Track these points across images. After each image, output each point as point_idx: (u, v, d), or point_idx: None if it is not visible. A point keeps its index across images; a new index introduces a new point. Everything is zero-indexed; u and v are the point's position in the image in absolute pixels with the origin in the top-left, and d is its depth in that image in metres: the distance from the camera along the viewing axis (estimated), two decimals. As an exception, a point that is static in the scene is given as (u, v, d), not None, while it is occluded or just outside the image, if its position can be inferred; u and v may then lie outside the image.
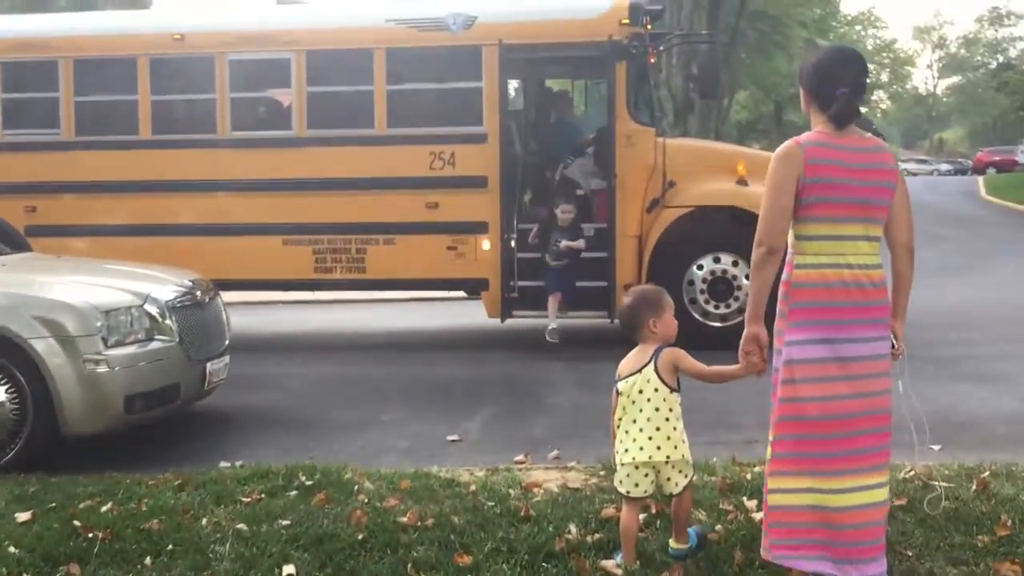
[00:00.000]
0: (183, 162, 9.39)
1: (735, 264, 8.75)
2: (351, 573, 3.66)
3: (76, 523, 4.17)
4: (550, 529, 3.93)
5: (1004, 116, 48.51)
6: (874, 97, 65.13)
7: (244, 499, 4.50)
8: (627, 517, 3.61)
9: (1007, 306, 11.08)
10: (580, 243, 8.76)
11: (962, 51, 77.10)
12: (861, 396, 3.29)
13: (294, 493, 4.58)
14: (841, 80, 3.37)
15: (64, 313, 5.44)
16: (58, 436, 5.43)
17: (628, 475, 3.56)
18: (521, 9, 9.32)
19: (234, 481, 4.81)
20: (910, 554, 3.67)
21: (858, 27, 61.42)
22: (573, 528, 3.94)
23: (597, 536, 3.85)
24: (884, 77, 70.59)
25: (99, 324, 5.45)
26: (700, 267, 8.79)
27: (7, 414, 5.37)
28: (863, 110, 3.51)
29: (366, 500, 4.41)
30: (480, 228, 9.07)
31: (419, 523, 4.06)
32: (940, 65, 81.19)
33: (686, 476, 3.59)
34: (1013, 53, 64.03)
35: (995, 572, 3.50)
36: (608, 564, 3.61)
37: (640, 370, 3.56)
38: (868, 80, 3.65)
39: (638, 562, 3.59)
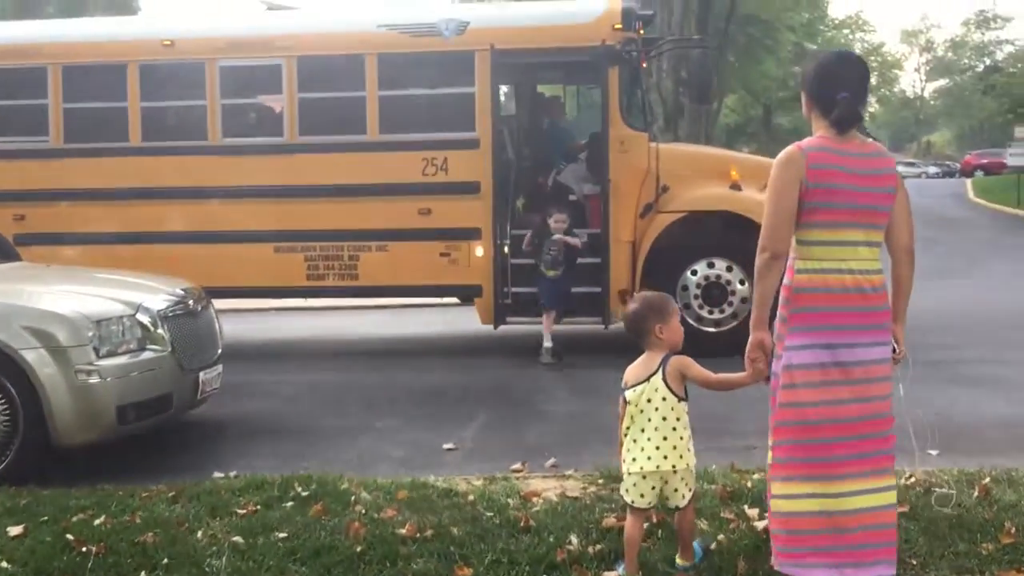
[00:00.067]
0: (173, 169, 9.32)
1: (729, 269, 8.73)
2: (350, 586, 3.62)
3: (69, 537, 4.11)
4: (551, 540, 3.89)
5: (991, 119, 48.68)
6: (862, 100, 65.11)
7: (239, 511, 4.44)
8: (631, 527, 3.57)
9: (998, 309, 11.11)
10: (577, 241, 8.69)
11: (949, 54, 77.37)
12: (862, 401, 3.29)
13: (290, 504, 4.53)
14: (843, 85, 3.37)
15: (55, 323, 5.38)
16: (49, 447, 5.36)
17: (635, 484, 3.52)
18: (513, 14, 9.31)
19: (229, 492, 4.75)
20: (914, 562, 3.64)
21: (846, 31, 61.49)
22: (574, 539, 3.90)
23: (599, 547, 3.81)
24: (872, 80, 70.72)
25: (90, 334, 5.39)
26: (694, 272, 8.77)
27: (-3, 426, 5.29)
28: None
29: (363, 511, 4.36)
30: (473, 234, 9.03)
31: (418, 534, 4.01)
32: (927, 68, 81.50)
33: (690, 489, 3.56)
34: (1000, 56, 64.31)
35: (1000, 581, 3.48)
36: (611, 575, 3.57)
37: (648, 379, 3.53)
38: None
39: (640, 573, 3.56)
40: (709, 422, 5.80)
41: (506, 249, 9.06)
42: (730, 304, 8.70)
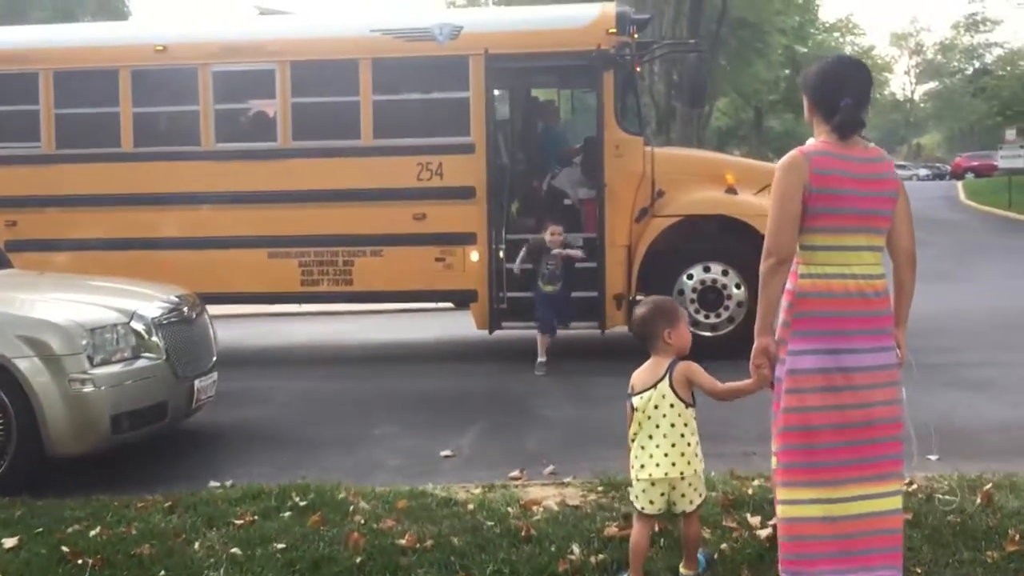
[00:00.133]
0: (166, 175, 9.26)
1: (725, 273, 8.71)
2: (350, 598, 3.58)
3: (64, 549, 4.07)
4: (552, 550, 3.86)
5: (981, 121, 48.91)
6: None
7: (237, 521, 4.40)
8: (638, 534, 3.55)
9: (992, 312, 11.11)
10: (578, 252, 8.64)
11: (939, 57, 77.71)
12: (865, 406, 3.29)
13: (288, 514, 4.49)
14: (845, 90, 3.36)
15: (48, 332, 5.33)
16: (43, 457, 5.31)
17: (644, 491, 3.50)
18: (507, 19, 9.31)
19: (225, 502, 4.71)
20: (919, 571, 3.62)
21: (836, 34, 61.67)
22: (576, 548, 3.87)
23: (601, 556, 3.78)
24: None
25: (84, 342, 5.34)
26: (690, 276, 8.75)
27: (-9, 435, 5.24)
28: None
29: (362, 521, 4.32)
30: (468, 239, 8.99)
31: (418, 545, 3.97)
32: (917, 71, 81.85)
33: (700, 495, 3.54)
34: (989, 59, 64.61)
35: (1006, 589, 3.46)
36: (614, 585, 3.56)
37: (655, 385, 3.50)
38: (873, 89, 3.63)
39: (644, 582, 3.53)
40: (707, 427, 5.72)
41: (501, 254, 9.02)
42: (726, 308, 8.68)
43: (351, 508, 4.52)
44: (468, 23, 9.16)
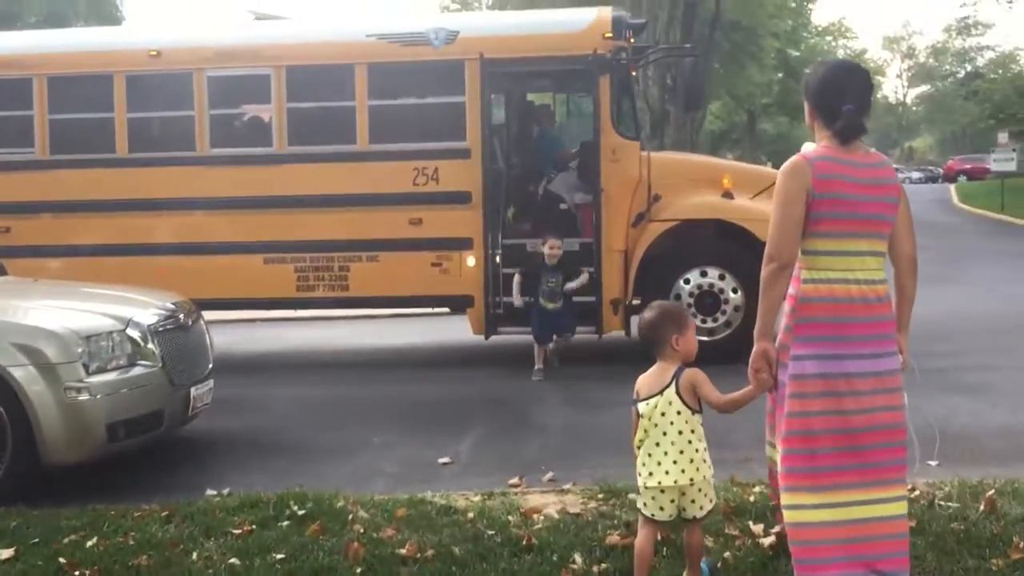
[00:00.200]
0: (161, 180, 9.22)
1: (722, 278, 8.70)
2: (351, 609, 3.55)
3: (61, 560, 4.03)
4: (554, 559, 3.83)
5: (973, 124, 49.07)
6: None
7: (235, 531, 4.36)
8: (643, 541, 3.52)
9: (988, 315, 11.11)
10: (583, 278, 8.55)
11: (931, 60, 77.93)
12: (867, 412, 3.28)
13: (286, 523, 4.46)
14: (846, 95, 3.38)
15: (44, 339, 5.29)
16: (39, 466, 5.27)
17: (653, 498, 3.48)
18: (503, 23, 9.28)
19: (223, 511, 4.67)
20: (923, 579, 3.60)
21: (828, 38, 61.91)
22: (578, 558, 3.84)
23: (603, 566, 3.76)
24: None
25: (80, 350, 5.30)
26: (687, 281, 8.73)
27: (-15, 445, 5.20)
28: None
29: (362, 530, 4.28)
30: (464, 244, 8.96)
31: (419, 555, 3.94)
32: (909, 74, 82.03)
33: (711, 500, 3.53)
34: (980, 62, 64.85)
35: (1012, 597, 3.44)
36: (617, 594, 3.53)
37: (661, 392, 3.48)
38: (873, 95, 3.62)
39: (648, 592, 3.50)
40: (705, 433, 5.77)
41: (497, 259, 9.00)
42: (723, 313, 8.67)
43: (350, 517, 4.48)
44: (464, 28, 9.14)
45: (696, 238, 8.77)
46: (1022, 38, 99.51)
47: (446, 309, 9.86)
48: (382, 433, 6.71)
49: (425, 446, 6.27)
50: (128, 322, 5.66)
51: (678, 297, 8.68)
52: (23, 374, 5.19)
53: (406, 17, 9.59)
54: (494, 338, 9.20)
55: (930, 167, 63.90)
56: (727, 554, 3.83)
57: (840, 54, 62.35)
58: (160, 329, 5.83)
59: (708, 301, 8.70)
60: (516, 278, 8.60)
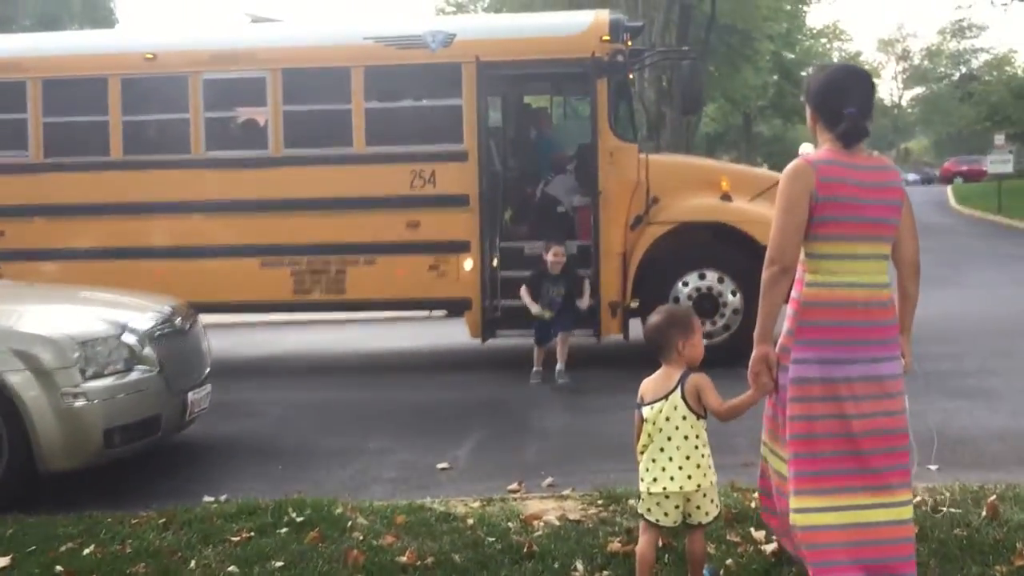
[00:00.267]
0: (156, 183, 9.18)
1: (720, 281, 8.68)
2: (351, 618, 3.51)
3: (58, 568, 4.00)
4: (555, 567, 3.80)
5: (969, 126, 49.17)
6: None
7: (233, 538, 4.33)
8: (645, 547, 3.49)
9: (987, 318, 11.10)
10: (588, 291, 8.48)
11: (926, 63, 78.13)
12: (868, 416, 3.28)
13: (284, 530, 4.42)
14: (849, 100, 3.38)
15: (39, 345, 5.25)
16: (35, 473, 5.22)
17: (658, 504, 3.45)
18: (500, 26, 9.27)
19: (221, 518, 4.63)
20: (927, 586, 3.58)
21: (823, 40, 62.00)
22: (580, 565, 3.81)
23: (605, 573, 3.73)
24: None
25: (76, 356, 5.26)
26: (685, 284, 8.71)
27: (-19, 451, 5.16)
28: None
29: (361, 537, 4.25)
30: (462, 247, 8.94)
31: (419, 562, 3.91)
32: (904, 77, 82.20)
33: (716, 506, 3.51)
34: (975, 64, 65.06)
35: (1016, 604, 3.42)
36: (619, 601, 3.51)
37: (666, 396, 3.45)
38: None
39: (650, 599, 3.48)
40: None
41: (495, 262, 8.98)
42: (722, 316, 8.65)
43: (349, 524, 4.45)
44: (461, 30, 9.12)
45: (694, 241, 8.76)
46: (1017, 40, 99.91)
47: (443, 312, 9.82)
48: (380, 438, 6.68)
49: (423, 451, 6.24)
50: (125, 327, 5.61)
51: (676, 300, 8.65)
52: (19, 380, 5.14)
53: (402, 20, 9.53)
54: (492, 341, 9.18)
55: (926, 169, 63.99)
56: (729, 561, 3.80)
57: (835, 56, 62.56)
58: (157, 334, 5.79)
59: (706, 304, 8.66)
60: (523, 289, 8.45)
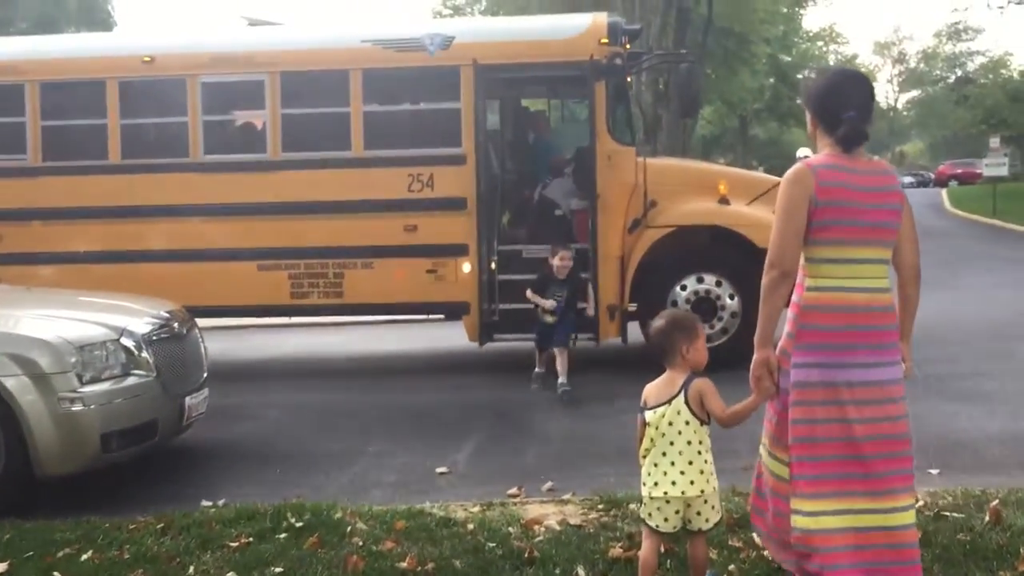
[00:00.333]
0: (154, 187, 9.15)
1: (718, 284, 8.66)
2: (351, 624, 3.49)
3: (56, 574, 3.98)
4: (557, 572, 3.79)
5: (964, 129, 49.27)
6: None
7: (232, 544, 4.31)
8: (647, 552, 3.49)
9: (983, 321, 11.10)
10: (591, 295, 8.46)
11: (921, 66, 78.25)
12: (869, 421, 3.27)
13: (283, 536, 4.40)
14: (849, 103, 3.37)
15: (37, 349, 5.23)
16: (32, 478, 5.20)
17: (659, 508, 3.44)
18: (499, 29, 9.25)
19: (219, 523, 4.62)
20: (930, 591, 3.57)
21: (820, 43, 62.10)
22: (581, 571, 3.80)
23: (606, 579, 3.72)
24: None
25: (73, 360, 5.24)
26: (683, 287, 8.69)
27: (-22, 456, 5.13)
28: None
29: (361, 543, 4.23)
30: (460, 251, 8.92)
31: (419, 568, 3.89)
32: (900, 79, 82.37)
33: (717, 512, 3.50)
34: (971, 67, 65.16)
35: (1020, 609, 3.41)
36: (622, 607, 3.49)
37: (670, 401, 3.45)
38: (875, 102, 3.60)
39: (652, 605, 3.46)
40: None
41: (493, 265, 8.96)
42: (720, 319, 8.63)
43: (348, 529, 4.43)
44: (459, 33, 9.10)
45: (692, 244, 8.74)
46: (1013, 43, 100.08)
47: (441, 316, 9.80)
48: (379, 442, 6.66)
49: (422, 455, 6.23)
50: (122, 331, 5.60)
51: (674, 304, 8.64)
52: (16, 384, 5.13)
53: (400, 23, 9.51)
54: (490, 345, 9.16)
55: (921, 171, 64.07)
56: (732, 567, 3.79)
57: (831, 59, 62.70)
58: (154, 338, 5.78)
59: (705, 307, 8.63)
60: (530, 292, 8.39)
